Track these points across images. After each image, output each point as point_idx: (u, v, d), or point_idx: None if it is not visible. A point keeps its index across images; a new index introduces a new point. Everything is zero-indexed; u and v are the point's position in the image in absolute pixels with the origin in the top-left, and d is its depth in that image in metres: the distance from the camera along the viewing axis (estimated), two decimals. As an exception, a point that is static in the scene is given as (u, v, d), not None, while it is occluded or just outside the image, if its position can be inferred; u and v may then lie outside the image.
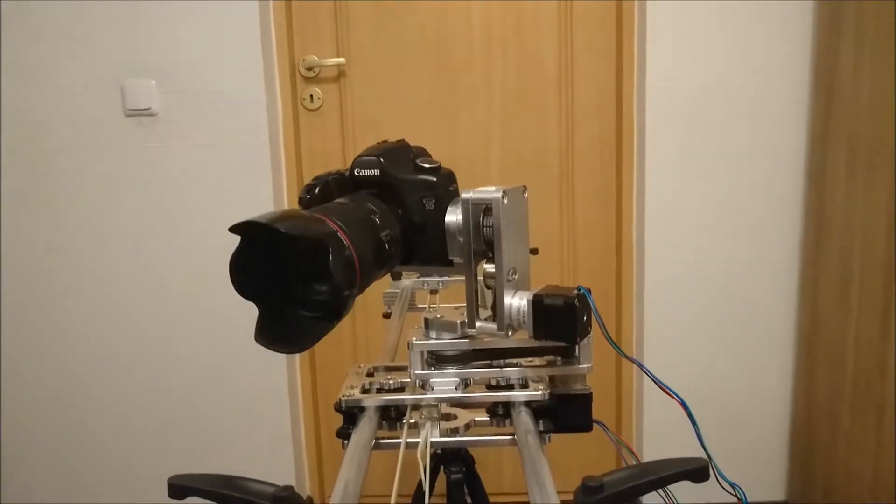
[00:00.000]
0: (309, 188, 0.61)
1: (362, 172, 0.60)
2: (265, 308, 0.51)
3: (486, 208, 0.55)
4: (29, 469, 1.73)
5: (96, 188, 1.60)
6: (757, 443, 1.67)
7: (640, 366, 0.63)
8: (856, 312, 1.37)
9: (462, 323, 0.61)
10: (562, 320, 0.53)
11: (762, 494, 1.68)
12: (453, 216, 0.58)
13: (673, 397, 0.59)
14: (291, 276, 0.50)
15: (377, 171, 0.59)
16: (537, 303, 0.54)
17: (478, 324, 0.57)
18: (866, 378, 1.34)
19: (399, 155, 0.61)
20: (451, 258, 0.59)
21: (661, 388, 0.60)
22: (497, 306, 0.55)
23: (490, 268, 0.55)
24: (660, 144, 1.56)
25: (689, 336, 1.63)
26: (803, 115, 1.54)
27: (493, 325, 0.56)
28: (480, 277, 0.57)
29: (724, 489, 0.60)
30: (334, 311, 0.48)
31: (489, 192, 0.54)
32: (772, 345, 1.64)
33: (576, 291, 0.54)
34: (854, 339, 1.38)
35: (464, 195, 0.55)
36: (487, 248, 0.55)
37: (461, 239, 0.57)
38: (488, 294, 0.58)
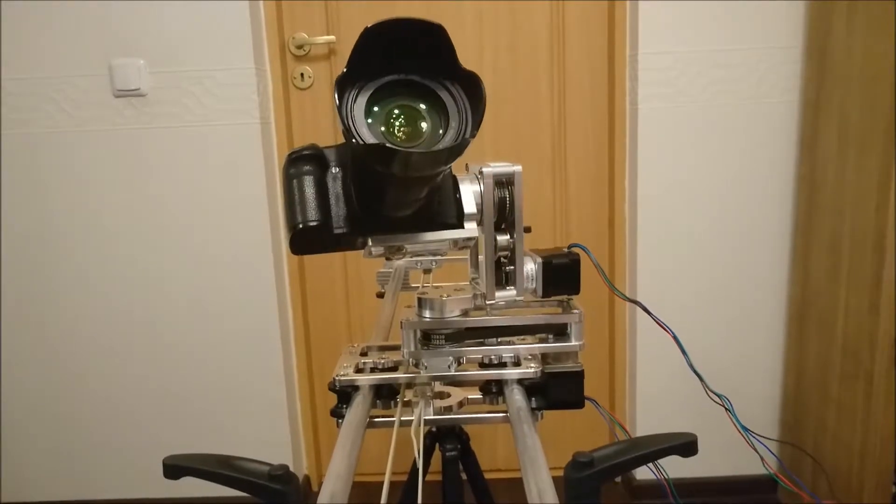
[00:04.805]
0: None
1: None
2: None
3: (497, 182, 0.57)
4: (28, 466, 1.75)
5: (86, 171, 1.59)
6: (747, 415, 1.67)
7: (641, 305, 0.68)
8: (846, 283, 1.38)
9: (475, 296, 0.63)
10: (568, 275, 0.61)
11: (752, 468, 1.71)
12: (468, 185, 0.59)
13: (667, 331, 0.67)
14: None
15: None
16: (547, 264, 0.60)
17: (498, 293, 0.59)
18: (856, 348, 1.36)
19: None
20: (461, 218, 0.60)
21: (658, 323, 0.67)
22: (517, 273, 0.59)
23: (503, 238, 0.58)
24: (652, 119, 1.56)
25: (680, 310, 1.64)
26: (796, 89, 1.54)
27: (509, 292, 0.60)
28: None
29: (713, 400, 0.70)
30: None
31: (507, 166, 0.57)
32: (763, 317, 1.65)
33: (568, 249, 0.62)
34: (844, 310, 1.39)
35: (484, 168, 0.56)
36: (497, 219, 0.58)
37: (479, 207, 0.58)
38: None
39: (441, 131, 0.49)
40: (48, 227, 1.62)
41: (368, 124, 0.48)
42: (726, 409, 0.64)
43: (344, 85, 0.46)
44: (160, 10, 1.51)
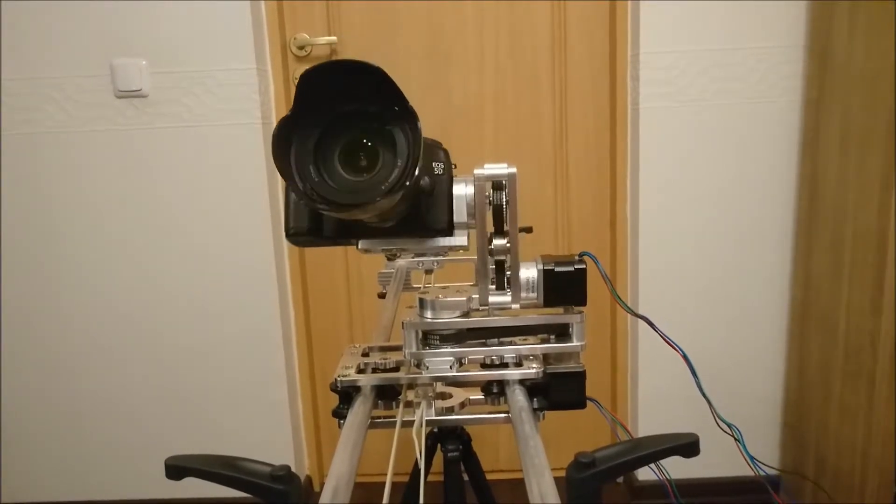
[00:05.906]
0: None
1: None
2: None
3: (493, 184, 0.56)
4: (28, 466, 1.74)
5: (87, 171, 1.58)
6: (750, 415, 1.68)
7: (648, 321, 0.67)
8: (848, 283, 1.38)
9: (469, 300, 0.62)
10: (573, 285, 0.58)
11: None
12: (462, 188, 0.59)
13: (676, 349, 0.64)
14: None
15: None
16: (548, 272, 0.58)
17: (493, 298, 0.58)
18: (858, 348, 1.36)
19: None
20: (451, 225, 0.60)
21: (666, 341, 0.64)
22: (513, 278, 0.58)
23: (500, 242, 0.57)
24: (653, 119, 1.56)
25: (682, 310, 1.64)
26: (797, 89, 1.54)
27: (504, 298, 0.59)
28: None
29: (722, 430, 0.66)
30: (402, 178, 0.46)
31: (502, 168, 0.56)
32: (764, 316, 1.65)
33: (577, 257, 0.58)
34: (846, 310, 1.39)
35: (476, 171, 0.56)
36: (494, 222, 0.57)
37: (471, 210, 0.57)
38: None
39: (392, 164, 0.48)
40: (48, 227, 1.62)
41: (321, 160, 0.48)
42: (736, 439, 0.63)
43: (290, 128, 0.46)
44: (161, 10, 1.51)
